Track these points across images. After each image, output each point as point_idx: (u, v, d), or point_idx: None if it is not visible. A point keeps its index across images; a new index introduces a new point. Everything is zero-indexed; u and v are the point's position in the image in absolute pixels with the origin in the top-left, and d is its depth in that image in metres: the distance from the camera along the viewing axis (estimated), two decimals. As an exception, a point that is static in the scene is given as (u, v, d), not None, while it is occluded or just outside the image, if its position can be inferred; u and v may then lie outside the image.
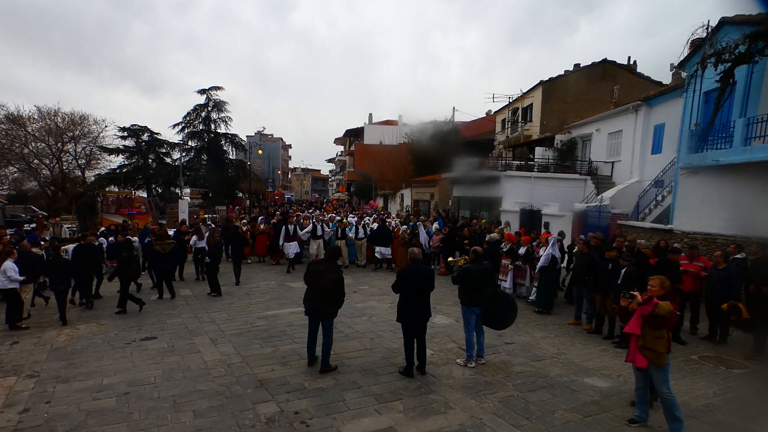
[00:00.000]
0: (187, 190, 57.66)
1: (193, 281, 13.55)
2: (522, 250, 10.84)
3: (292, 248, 14.25)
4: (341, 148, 67.76)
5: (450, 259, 8.26)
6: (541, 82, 26.49)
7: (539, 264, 9.97)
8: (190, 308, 10.09)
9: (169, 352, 7.34)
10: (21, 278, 8.50)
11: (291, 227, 14.34)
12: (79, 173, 29.91)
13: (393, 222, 16.78)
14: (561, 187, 19.30)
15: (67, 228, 16.74)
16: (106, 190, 30.83)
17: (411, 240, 14.67)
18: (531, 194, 18.95)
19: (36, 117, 28.45)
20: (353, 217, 18.14)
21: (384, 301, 10.74)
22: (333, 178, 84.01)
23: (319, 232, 14.79)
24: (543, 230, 15.27)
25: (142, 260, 12.01)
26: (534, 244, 10.86)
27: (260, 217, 18.18)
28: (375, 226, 16.15)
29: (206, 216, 26.29)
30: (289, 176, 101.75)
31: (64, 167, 29.03)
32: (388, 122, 51.15)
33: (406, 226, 15.14)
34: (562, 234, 10.64)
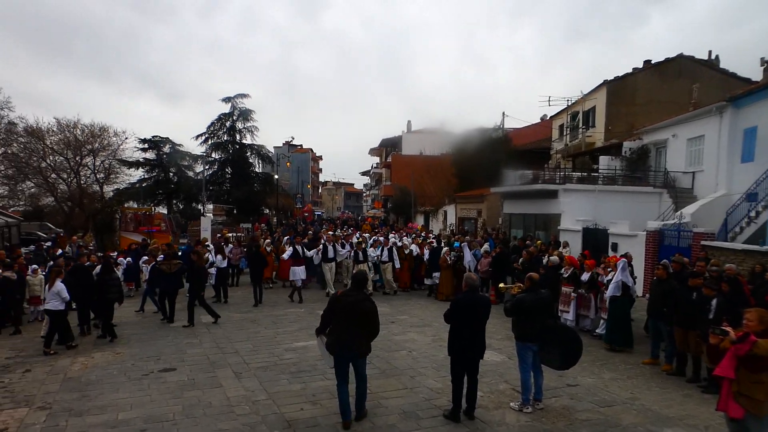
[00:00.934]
0: (210, 206, 59.67)
1: (216, 306, 13.91)
2: (585, 276, 10.59)
3: (299, 273, 14.29)
4: (377, 159, 68.46)
5: (501, 285, 8.10)
6: (606, 82, 26.00)
7: (608, 293, 9.64)
8: (212, 337, 10.31)
9: (189, 386, 7.47)
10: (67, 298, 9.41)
11: (300, 248, 14.46)
12: (97, 188, 31.47)
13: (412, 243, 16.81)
14: (631, 201, 18.73)
15: (68, 248, 17.60)
16: (125, 206, 32.26)
17: (456, 263, 14.56)
18: (595, 210, 18.50)
19: (55, 129, 30.27)
20: (394, 237, 18.23)
21: (425, 333, 10.64)
22: (368, 192, 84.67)
23: (331, 254, 14.90)
24: (611, 252, 14.80)
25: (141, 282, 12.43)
26: (600, 268, 10.56)
27: (286, 237, 18.50)
28: (414, 248, 16.20)
29: (231, 234, 27.04)
30: (320, 191, 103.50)
31: (82, 182, 30.66)
32: (428, 130, 51.35)
33: (448, 248, 15.04)
34: (627, 257, 10.27)
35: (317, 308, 13.32)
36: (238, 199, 43.55)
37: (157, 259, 13.11)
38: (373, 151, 65.51)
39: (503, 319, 8.22)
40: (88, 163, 31.16)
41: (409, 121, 55.64)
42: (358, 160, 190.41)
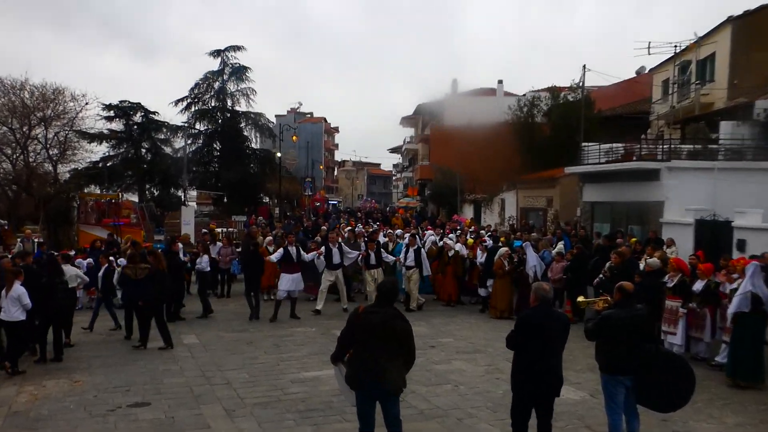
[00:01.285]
0: (194, 193, 60.70)
1: (198, 319, 14.14)
2: (699, 286, 10.46)
3: (286, 282, 14.21)
4: (410, 132, 68.48)
5: (580, 299, 7.96)
6: (731, 20, 25.36)
7: (731, 308, 9.43)
8: (196, 363, 10.46)
9: (168, 426, 7.57)
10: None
11: (293, 249, 14.43)
12: (50, 167, 32.35)
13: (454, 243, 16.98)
14: (766, 183, 18.19)
15: (19, 243, 18.14)
16: (85, 191, 33.09)
17: (517, 269, 14.48)
18: (713, 196, 18.14)
19: (-5, 91, 31.14)
20: (432, 235, 18.23)
21: (477, 361, 10.60)
22: (399, 175, 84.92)
23: (336, 259, 14.91)
24: (736, 253, 14.43)
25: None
26: (721, 274, 10.41)
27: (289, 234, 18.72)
28: (460, 249, 16.18)
29: (220, 230, 27.45)
30: (335, 173, 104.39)
31: (31, 159, 31.58)
32: (480, 92, 51.01)
33: (506, 249, 14.96)
34: (766, 258, 9.97)
35: (333, 327, 13.35)
36: (230, 183, 44.27)
37: (118, 262, 13.41)
38: (406, 121, 65.43)
39: (584, 343, 8.08)
40: (39, 136, 32.11)
41: (454, 80, 54.97)
42: (386, 133, 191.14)
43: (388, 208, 56.34)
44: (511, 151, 34.07)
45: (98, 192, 37.94)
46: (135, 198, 46.87)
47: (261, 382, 9.37)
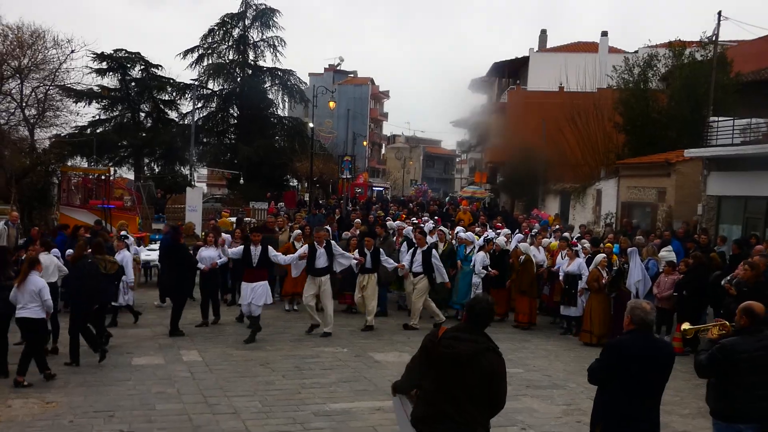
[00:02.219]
0: (204, 171, 61.65)
1: (199, 333, 14.45)
2: None
3: (250, 293, 13.92)
4: (482, 99, 68.13)
5: (685, 326, 7.85)
6: None
7: None
8: (197, 386, 10.71)
9: (158, 463, 7.84)
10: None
11: (255, 250, 14.06)
12: (26, 132, 33.13)
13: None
14: None
15: (2, 227, 18.74)
16: (68, 163, 33.93)
17: (615, 283, 14.34)
18: None
19: (-40, 33, 31.92)
20: (492, 233, 18.25)
21: (552, 399, 10.57)
22: (463, 156, 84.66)
23: (321, 263, 14.58)
24: None
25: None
26: None
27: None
28: (535, 253, 16.16)
29: (233, 219, 27.89)
30: (383, 151, 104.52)
31: (2, 121, 32.42)
32: (576, 47, 50.35)
33: (604, 256, 14.83)
34: None
35: (371, 348, 13.50)
36: (249, 160, 44.64)
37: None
38: (476, 85, 65.13)
39: (696, 381, 7.98)
40: (12, 91, 32.79)
41: (543, 31, 54.51)
42: (450, 102, 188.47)
43: (447, 198, 56.24)
44: (614, 126, 33.54)
45: (85, 166, 38.99)
46: (131, 175, 48.06)
47: (276, 414, 9.52)
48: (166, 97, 49.36)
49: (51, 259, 12.85)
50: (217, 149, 48.67)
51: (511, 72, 54.30)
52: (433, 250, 15.79)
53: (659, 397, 6.31)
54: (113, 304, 14.24)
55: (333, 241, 15.76)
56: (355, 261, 15.15)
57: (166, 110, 49.64)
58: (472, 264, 16.27)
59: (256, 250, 13.97)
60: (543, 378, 11.75)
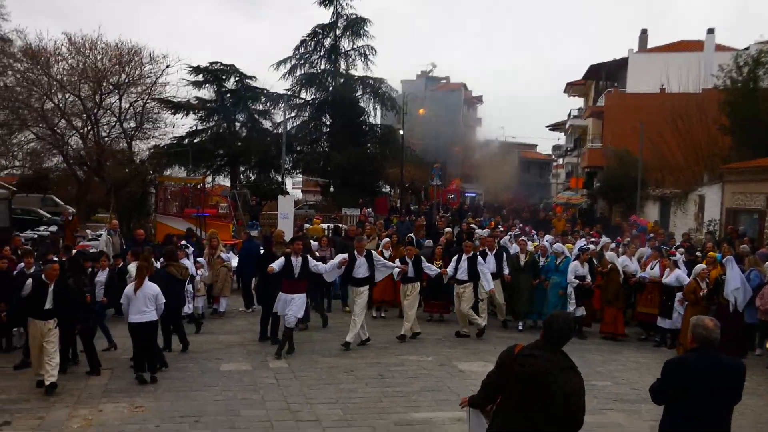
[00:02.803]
0: (299, 179, 62.66)
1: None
2: None
3: (289, 305, 13.29)
4: (578, 103, 66.99)
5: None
6: None
7: None
8: (281, 393, 10.88)
9: (239, 469, 7.99)
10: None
11: (296, 261, 13.41)
12: (124, 144, 34.51)
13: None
14: None
15: (106, 236, 19.41)
16: (166, 174, 35.08)
17: (713, 295, 13.90)
18: None
19: (64, 51, 33.52)
20: (594, 244, 17.93)
21: (640, 414, 10.30)
22: (560, 161, 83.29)
23: (362, 272, 14.31)
24: None
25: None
26: None
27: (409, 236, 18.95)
28: (626, 262, 15.82)
29: (326, 226, 28.22)
30: (476, 155, 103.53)
31: (104, 134, 33.85)
32: (679, 46, 48.88)
33: (703, 267, 14.35)
34: None
35: (456, 357, 13.45)
36: (341, 167, 45.08)
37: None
38: (572, 89, 64.10)
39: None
40: (112, 105, 34.28)
41: (643, 32, 53.13)
42: (544, 106, 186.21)
43: (542, 205, 55.39)
44: (720, 128, 32.36)
45: (183, 175, 40.18)
46: (227, 183, 49.32)
47: (357, 422, 9.58)
48: (261, 107, 50.41)
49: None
50: (311, 157, 49.33)
51: (608, 74, 53.12)
52: (479, 257, 15.51)
53: (726, 417, 6.10)
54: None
55: (374, 251, 15.35)
56: (398, 270, 14.86)
57: (261, 120, 50.66)
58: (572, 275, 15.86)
59: (297, 261, 13.39)
60: (631, 392, 11.42)
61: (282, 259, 13.48)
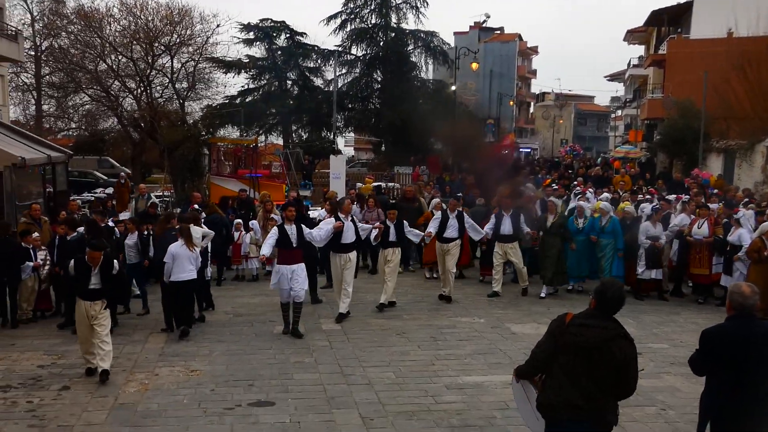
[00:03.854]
0: (351, 136, 62.65)
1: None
2: None
3: (292, 277, 12.25)
4: (639, 51, 65.36)
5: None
6: None
7: None
8: (334, 355, 11.08)
9: (292, 432, 8.14)
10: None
11: (290, 228, 12.41)
12: (177, 105, 34.81)
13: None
14: None
15: (157, 200, 19.77)
16: (218, 134, 35.31)
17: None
18: None
19: (116, 12, 33.83)
20: (650, 203, 17.54)
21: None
22: (618, 113, 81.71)
23: (349, 237, 13.40)
24: None
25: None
26: None
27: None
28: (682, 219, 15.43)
29: (378, 185, 28.23)
30: (531, 110, 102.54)
31: (157, 95, 34.21)
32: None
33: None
34: None
35: (509, 319, 13.47)
36: (393, 125, 44.89)
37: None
38: (632, 36, 62.50)
39: None
40: (164, 66, 34.56)
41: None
42: (604, 55, 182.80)
43: (599, 159, 54.48)
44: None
45: (236, 135, 40.42)
46: (279, 141, 49.52)
47: (409, 386, 9.69)
48: (311, 65, 50.31)
49: (196, 230, 13.48)
50: (362, 115, 49.19)
51: (671, 20, 51.46)
52: (465, 215, 15.07)
53: None
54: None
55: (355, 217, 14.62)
56: (375, 231, 13.91)
57: (312, 77, 50.56)
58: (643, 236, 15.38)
59: (292, 229, 12.39)
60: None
61: (275, 230, 12.62)
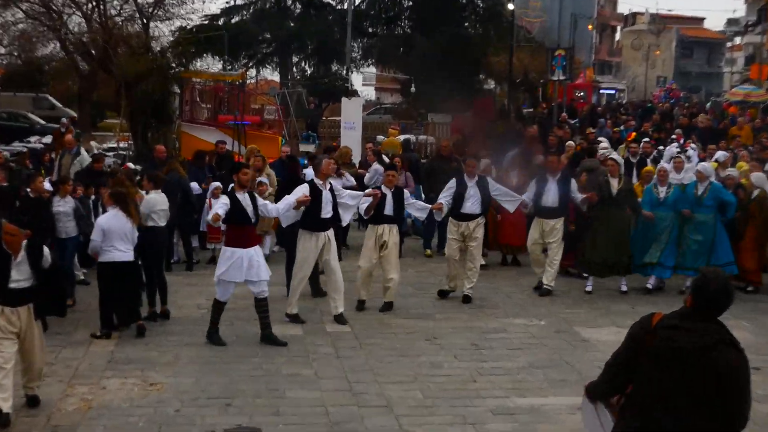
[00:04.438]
0: (371, 71, 62.37)
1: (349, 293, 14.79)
2: None
3: (251, 265, 12.10)
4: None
5: None
6: None
7: None
8: (341, 366, 11.07)
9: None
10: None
11: (244, 199, 12.22)
12: (139, 26, 34.45)
13: None
14: None
15: (100, 151, 19.61)
16: (194, 66, 35.04)
17: None
18: None
19: None
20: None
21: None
22: (737, 41, 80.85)
23: (327, 211, 13.18)
24: None
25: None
26: None
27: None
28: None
29: (407, 138, 28.12)
30: (617, 37, 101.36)
31: (112, 12, 33.87)
32: None
33: None
34: None
35: (576, 320, 13.38)
36: (429, 56, 44.54)
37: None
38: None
39: None
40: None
41: None
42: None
43: (709, 104, 53.76)
44: None
45: (217, 69, 40.18)
46: (276, 77, 49.34)
47: (441, 409, 9.64)
48: (317, -28, 49.99)
49: (161, 199, 13.43)
50: (387, 42, 48.76)
51: None
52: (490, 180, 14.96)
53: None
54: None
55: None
56: (367, 199, 13.78)
57: (319, -7, 50.28)
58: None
59: (245, 198, 12.23)
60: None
61: (225, 199, 12.18)
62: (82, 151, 20.10)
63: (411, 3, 48.91)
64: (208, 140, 23.71)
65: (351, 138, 26.15)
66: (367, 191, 14.20)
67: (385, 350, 11.74)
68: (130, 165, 20.29)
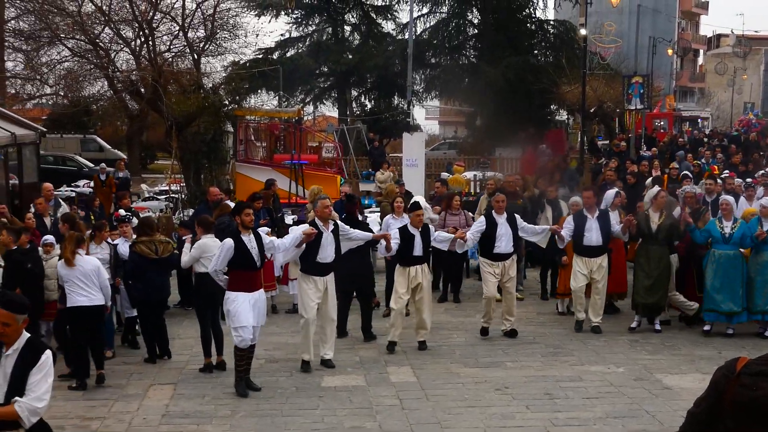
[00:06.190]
0: (434, 103, 62.13)
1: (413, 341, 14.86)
2: None
3: (254, 312, 12.25)
4: None
5: None
6: None
7: None
8: (406, 418, 11.04)
9: None
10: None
11: (250, 241, 12.32)
12: (189, 62, 34.71)
13: None
14: None
15: (151, 194, 19.66)
16: (246, 104, 35.15)
17: None
18: None
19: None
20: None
21: None
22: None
23: (329, 254, 13.25)
24: None
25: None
26: None
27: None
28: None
29: (481, 175, 28.06)
30: (700, 61, 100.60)
31: (162, 48, 34.01)
32: None
33: None
34: None
35: (666, 364, 13.26)
36: (496, 86, 44.40)
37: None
38: None
39: None
40: (174, 7, 34.28)
41: None
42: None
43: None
44: None
45: (272, 106, 40.27)
46: (335, 113, 49.44)
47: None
48: (379, 3, 49.99)
49: (213, 244, 13.33)
50: (451, 73, 48.60)
51: None
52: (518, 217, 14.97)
53: None
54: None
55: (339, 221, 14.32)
56: (382, 242, 13.99)
57: (380, 21, 50.27)
58: None
59: (250, 240, 12.29)
60: None
61: (230, 242, 12.08)
62: (60, 200, 19.99)
63: (476, 31, 48.92)
64: (259, 179, 23.83)
65: (414, 174, 26.04)
66: (376, 234, 14.41)
67: (453, 401, 11.71)
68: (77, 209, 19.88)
